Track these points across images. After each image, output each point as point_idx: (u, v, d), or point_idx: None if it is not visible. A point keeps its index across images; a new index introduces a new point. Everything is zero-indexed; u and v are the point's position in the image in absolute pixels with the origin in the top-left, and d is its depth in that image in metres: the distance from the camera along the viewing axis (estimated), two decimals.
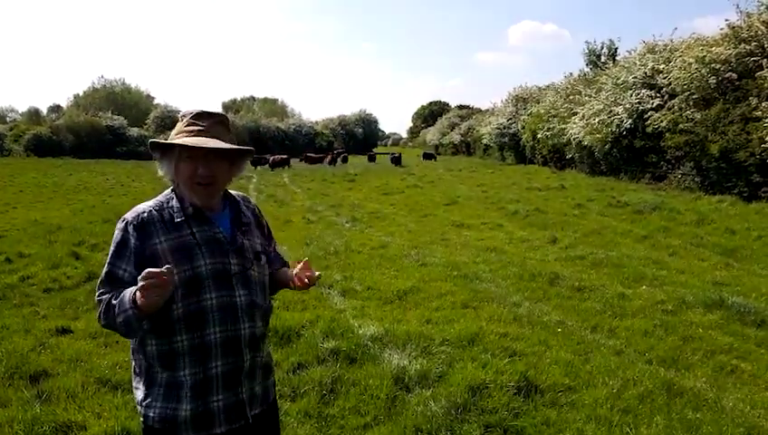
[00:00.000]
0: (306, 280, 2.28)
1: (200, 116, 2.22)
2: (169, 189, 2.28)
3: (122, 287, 2.07)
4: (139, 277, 1.90)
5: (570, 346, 5.46)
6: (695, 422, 4.03)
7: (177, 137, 2.19)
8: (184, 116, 2.24)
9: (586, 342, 5.63)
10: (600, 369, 4.92)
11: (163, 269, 1.89)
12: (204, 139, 2.15)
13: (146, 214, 2.17)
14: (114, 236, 2.17)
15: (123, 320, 2.02)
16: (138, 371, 2.24)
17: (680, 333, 5.89)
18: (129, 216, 2.17)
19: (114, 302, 2.04)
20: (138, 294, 1.93)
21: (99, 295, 2.13)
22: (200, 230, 2.20)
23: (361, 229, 12.58)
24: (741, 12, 17.12)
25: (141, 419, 2.23)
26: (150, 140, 2.27)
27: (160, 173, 2.27)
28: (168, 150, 2.21)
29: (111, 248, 2.16)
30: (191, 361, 2.15)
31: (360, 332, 5.65)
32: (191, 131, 2.17)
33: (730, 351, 5.45)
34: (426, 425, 4.01)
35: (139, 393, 2.22)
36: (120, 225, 2.17)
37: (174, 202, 2.22)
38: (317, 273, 2.34)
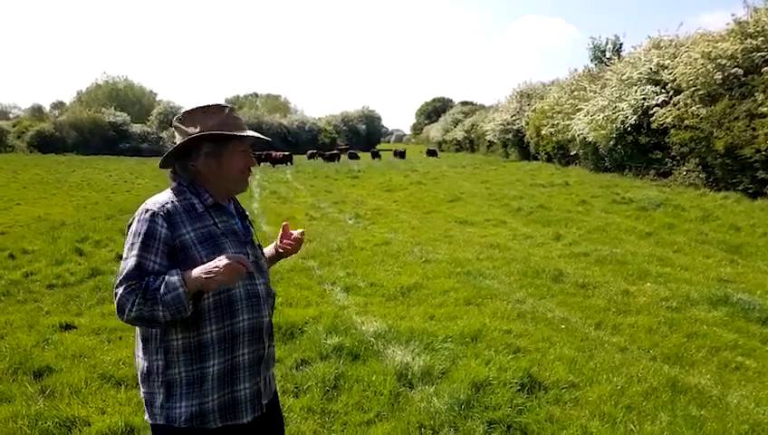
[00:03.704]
0: (291, 243, 2.51)
1: (235, 110, 2.29)
2: (173, 187, 2.24)
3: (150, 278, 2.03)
4: (227, 257, 1.96)
5: (573, 343, 5.45)
6: (699, 419, 4.02)
7: (230, 130, 2.21)
8: (219, 108, 2.25)
9: (590, 338, 5.61)
10: (604, 366, 4.91)
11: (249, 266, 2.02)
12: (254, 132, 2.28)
13: (170, 204, 2.13)
14: (136, 228, 2.08)
15: (172, 299, 1.94)
16: (152, 373, 2.15)
17: (684, 329, 5.87)
18: (152, 207, 2.11)
19: (154, 286, 1.97)
20: (205, 272, 1.95)
21: (126, 288, 1.99)
22: (221, 221, 2.22)
23: (365, 226, 12.57)
24: (748, 6, 17.04)
25: (162, 422, 2.14)
26: (216, 132, 2.19)
27: (198, 167, 2.22)
28: (222, 144, 2.21)
29: (137, 240, 2.06)
30: (220, 350, 2.14)
31: (364, 328, 5.66)
32: (241, 126, 2.25)
33: (735, 348, 5.43)
34: (429, 421, 4.00)
35: (158, 398, 2.14)
36: (144, 216, 2.09)
37: (188, 195, 2.20)
38: (299, 231, 2.58)
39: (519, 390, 4.40)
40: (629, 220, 12.41)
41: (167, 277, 1.98)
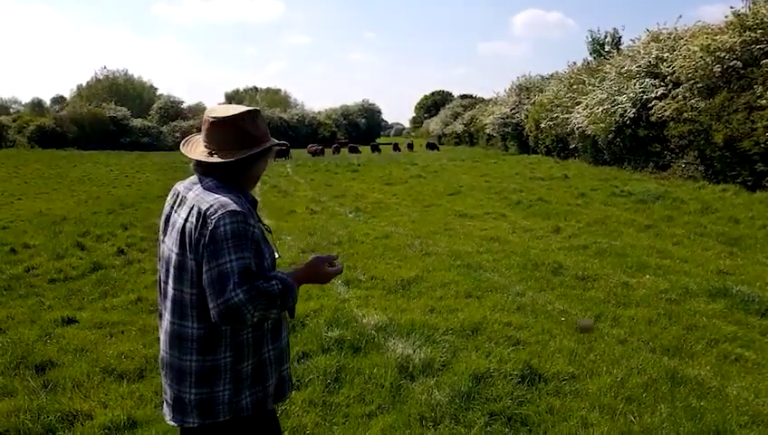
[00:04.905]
0: None
1: None
2: (219, 186, 2.21)
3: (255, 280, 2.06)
4: (332, 268, 2.34)
5: (573, 335, 5.47)
6: (699, 410, 4.04)
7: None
8: (260, 114, 2.31)
9: None
10: (604, 358, 4.93)
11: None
12: None
13: (245, 205, 2.17)
14: (232, 229, 2.06)
15: (293, 303, 2.18)
16: (219, 372, 2.16)
17: (684, 321, 5.89)
18: (239, 208, 2.10)
19: (272, 291, 2.05)
20: (323, 277, 2.34)
21: (245, 293, 2.00)
22: (258, 219, 2.30)
23: (365, 219, 12.58)
24: None
25: (229, 416, 2.17)
26: (281, 142, 2.51)
27: (257, 170, 2.32)
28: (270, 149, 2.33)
29: (239, 242, 2.06)
30: (272, 336, 2.27)
31: (365, 321, 5.67)
32: None
33: (734, 339, 5.45)
34: (430, 413, 4.03)
35: (224, 395, 2.16)
36: (238, 217, 2.08)
37: (238, 194, 2.21)
38: None
39: (519, 382, 4.42)
40: (629, 213, 12.41)
41: (285, 283, 2.10)
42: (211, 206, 2.10)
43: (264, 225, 2.29)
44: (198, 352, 2.16)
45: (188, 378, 2.18)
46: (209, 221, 2.07)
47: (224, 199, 2.12)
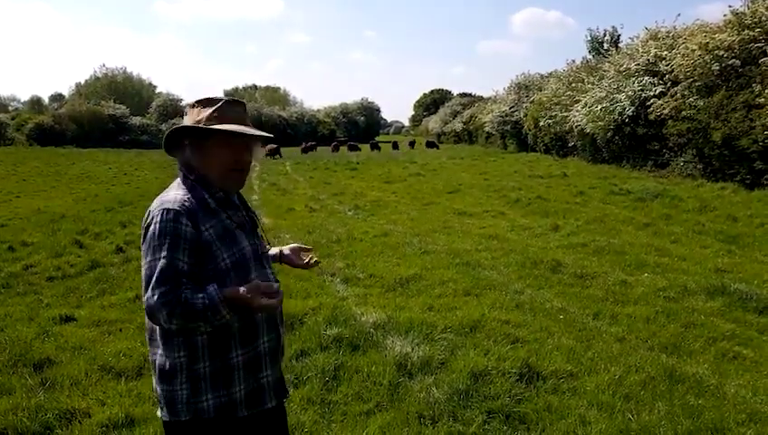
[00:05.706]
0: (300, 265, 2.58)
1: (235, 103, 2.27)
2: (180, 181, 2.21)
3: (182, 280, 2.01)
4: (260, 299, 1.99)
5: (571, 333, 5.47)
6: (696, 409, 4.05)
7: (214, 124, 2.15)
8: (210, 102, 2.21)
9: (588, 328, 5.63)
10: (602, 355, 4.93)
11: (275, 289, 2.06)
12: (248, 127, 2.21)
13: (187, 202, 2.10)
14: (159, 228, 2.04)
15: (218, 322, 2.02)
16: (175, 370, 2.13)
17: (682, 319, 5.89)
18: (172, 206, 2.07)
19: (197, 306, 1.97)
20: (247, 302, 2.00)
21: (160, 297, 1.97)
22: (233, 214, 2.23)
23: (364, 217, 12.58)
24: None
25: (189, 416, 2.14)
26: (186, 126, 2.19)
27: (186, 160, 2.21)
28: (202, 138, 2.18)
29: (164, 241, 2.02)
30: (242, 340, 2.17)
31: (363, 319, 5.67)
32: (232, 118, 2.18)
33: (732, 337, 5.45)
34: (428, 411, 4.03)
35: (182, 394, 2.13)
36: (167, 216, 2.05)
37: (198, 190, 2.17)
38: (314, 260, 2.60)
39: (517, 379, 4.42)
40: (627, 211, 12.42)
41: (212, 301, 1.98)
42: (154, 203, 2.13)
43: (233, 222, 2.21)
44: (161, 347, 2.16)
45: (156, 373, 2.19)
46: (148, 219, 2.10)
47: (168, 196, 2.12)
